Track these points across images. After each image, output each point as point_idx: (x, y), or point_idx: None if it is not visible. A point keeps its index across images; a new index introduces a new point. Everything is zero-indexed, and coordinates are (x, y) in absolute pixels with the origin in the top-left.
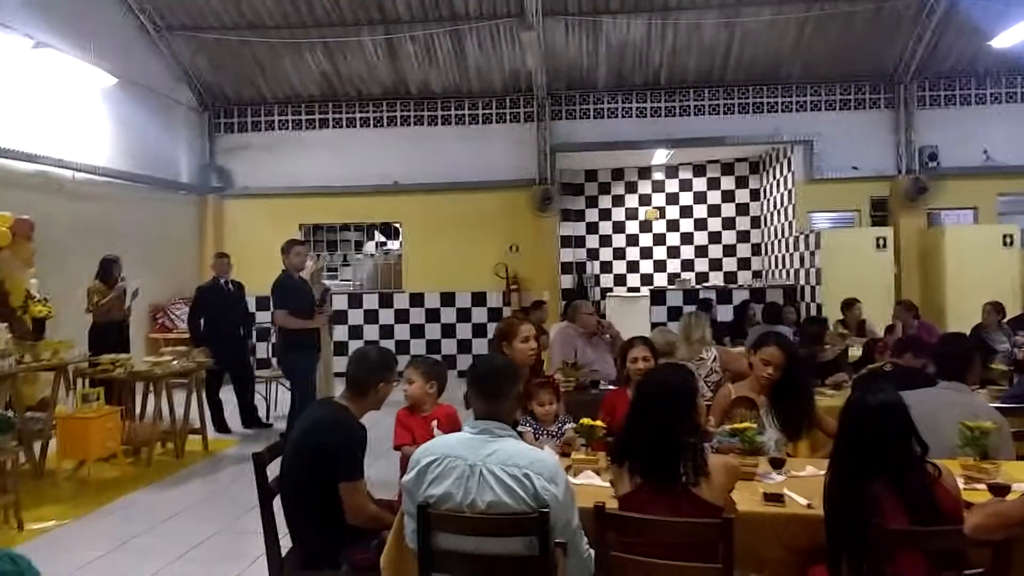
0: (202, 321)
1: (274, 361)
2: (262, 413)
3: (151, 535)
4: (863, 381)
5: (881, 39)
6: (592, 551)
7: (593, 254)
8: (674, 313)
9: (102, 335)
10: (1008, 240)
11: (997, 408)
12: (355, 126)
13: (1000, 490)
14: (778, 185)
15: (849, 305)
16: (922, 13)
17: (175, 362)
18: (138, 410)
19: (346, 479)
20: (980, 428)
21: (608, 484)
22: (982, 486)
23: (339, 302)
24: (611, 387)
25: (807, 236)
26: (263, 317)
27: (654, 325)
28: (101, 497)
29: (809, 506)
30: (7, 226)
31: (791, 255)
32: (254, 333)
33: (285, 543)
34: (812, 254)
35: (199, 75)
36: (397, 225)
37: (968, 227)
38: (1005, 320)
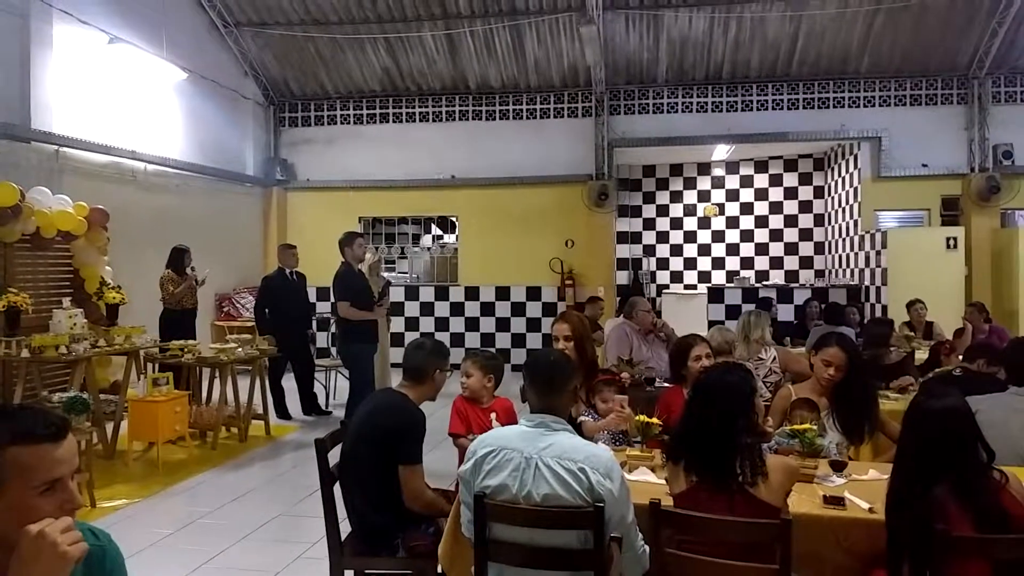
0: (267, 310)
1: (334, 350)
2: (322, 401)
3: (216, 516)
4: (930, 385)
5: (954, 32)
6: (647, 547)
7: (650, 250)
8: (732, 312)
9: (172, 322)
10: None
11: None
12: (414, 121)
13: None
14: (843, 182)
15: (910, 305)
16: (999, 5)
17: (240, 349)
18: (204, 395)
19: (406, 462)
20: None
21: (663, 481)
22: None
23: (396, 294)
24: (666, 384)
25: (873, 235)
26: (322, 307)
27: (711, 323)
28: (169, 478)
29: (871, 510)
30: (83, 215)
31: (856, 254)
32: (315, 323)
33: (344, 527)
34: (878, 253)
35: (265, 70)
36: (453, 219)
37: None
38: None
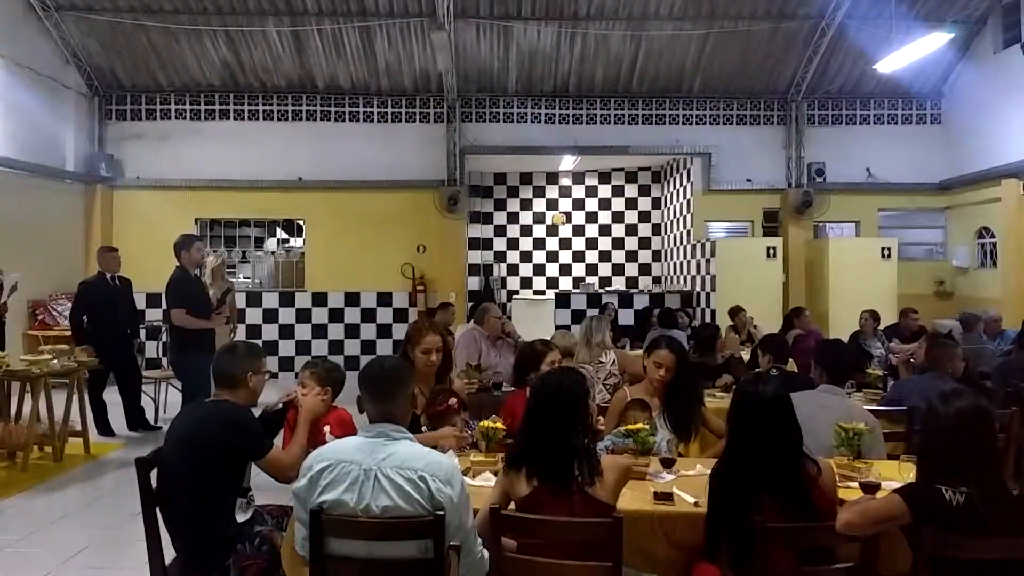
0: (85, 318)
1: (165, 361)
2: (150, 415)
3: (27, 543)
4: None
5: (775, 58)
6: (486, 552)
7: (500, 257)
8: (578, 316)
9: None
10: (886, 253)
11: (871, 411)
12: (258, 119)
13: (871, 488)
14: (678, 194)
15: (735, 313)
16: (813, 36)
17: (55, 361)
18: (13, 411)
19: (262, 454)
20: (854, 430)
21: None
22: (855, 484)
23: (238, 301)
24: (512, 389)
25: (704, 244)
26: (152, 315)
27: (558, 327)
28: None
29: (696, 504)
30: None
31: (688, 262)
32: (143, 331)
33: (170, 551)
34: (708, 261)
35: (89, 58)
36: (300, 222)
37: (850, 239)
38: (881, 328)
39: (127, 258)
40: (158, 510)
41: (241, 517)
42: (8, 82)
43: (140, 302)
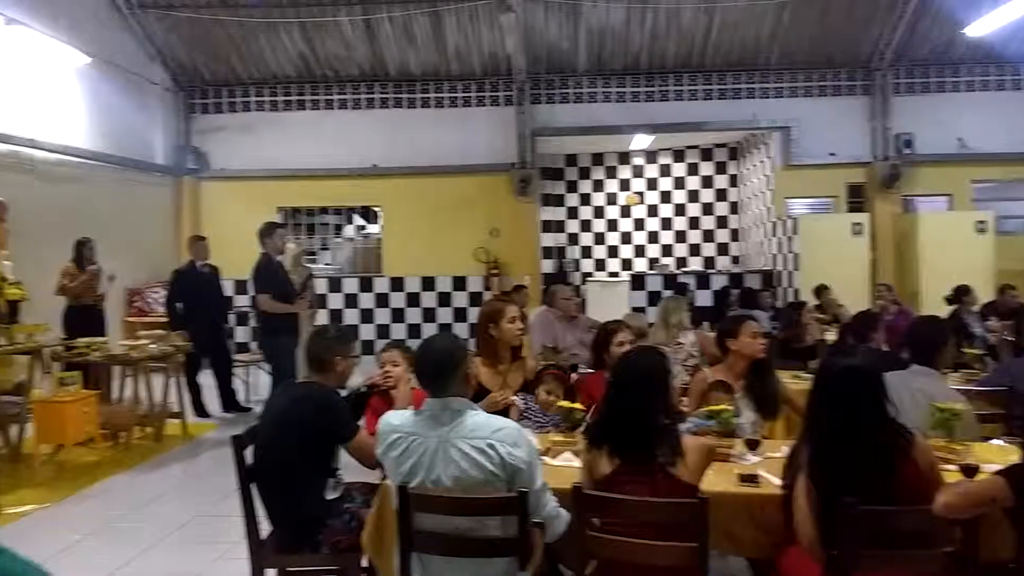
0: (179, 305)
1: (254, 345)
2: (241, 397)
3: (130, 519)
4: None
5: (858, 26)
6: (563, 511)
7: (573, 239)
8: (653, 298)
9: (76, 318)
10: (981, 226)
11: (964, 391)
12: (332, 108)
13: (970, 471)
14: (756, 171)
15: (820, 291)
16: (898, 0)
17: (152, 346)
18: (116, 394)
19: (348, 439)
20: (951, 410)
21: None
22: (953, 467)
23: (319, 286)
24: (589, 371)
25: (784, 222)
26: (240, 301)
27: (634, 310)
28: (79, 481)
29: (783, 487)
30: None
31: (769, 241)
32: (231, 317)
33: (265, 526)
34: (789, 239)
35: (173, 54)
36: (376, 209)
37: (942, 213)
38: (976, 306)
39: (215, 246)
40: (253, 487)
41: (331, 495)
42: (98, 80)
43: (228, 288)
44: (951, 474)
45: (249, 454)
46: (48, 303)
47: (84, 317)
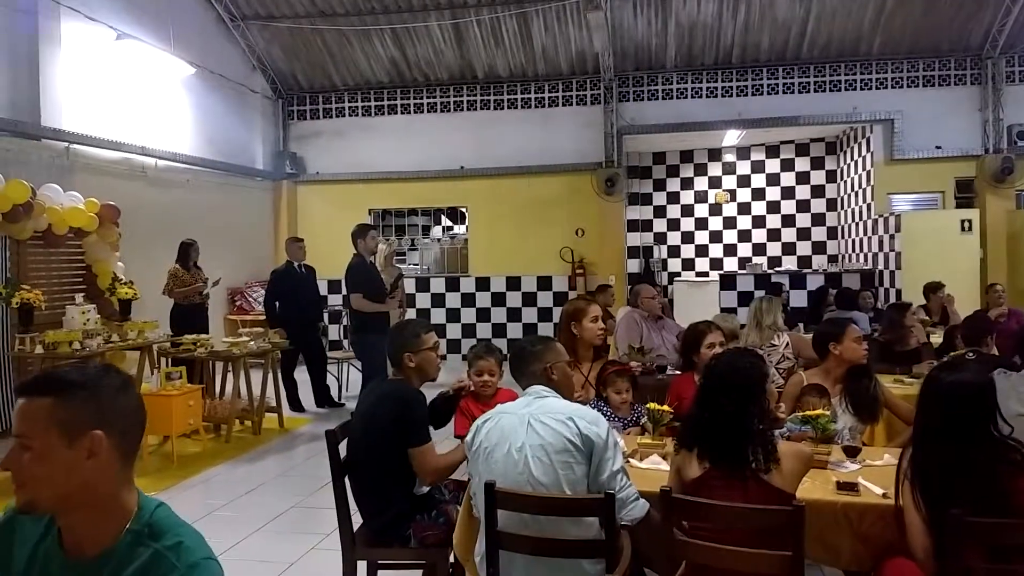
0: (277, 304)
1: (346, 343)
2: (334, 393)
3: (231, 508)
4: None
5: (967, 12)
6: (642, 501)
7: (660, 238)
8: (744, 298)
9: (183, 316)
10: None
11: None
12: (423, 111)
13: None
14: (856, 166)
15: (934, 289)
16: None
17: (252, 343)
18: (218, 388)
19: (413, 445)
20: None
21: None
22: None
23: (407, 286)
24: (677, 372)
25: (886, 219)
26: (333, 300)
27: (724, 310)
28: (183, 471)
29: (885, 496)
30: (95, 212)
31: (869, 238)
32: (326, 315)
33: (357, 519)
34: (892, 237)
35: (273, 64)
36: (463, 209)
37: None
38: None
39: (310, 247)
40: (346, 480)
41: (420, 490)
42: (203, 89)
43: (322, 288)
44: None
45: (343, 448)
46: (157, 302)
47: (190, 315)
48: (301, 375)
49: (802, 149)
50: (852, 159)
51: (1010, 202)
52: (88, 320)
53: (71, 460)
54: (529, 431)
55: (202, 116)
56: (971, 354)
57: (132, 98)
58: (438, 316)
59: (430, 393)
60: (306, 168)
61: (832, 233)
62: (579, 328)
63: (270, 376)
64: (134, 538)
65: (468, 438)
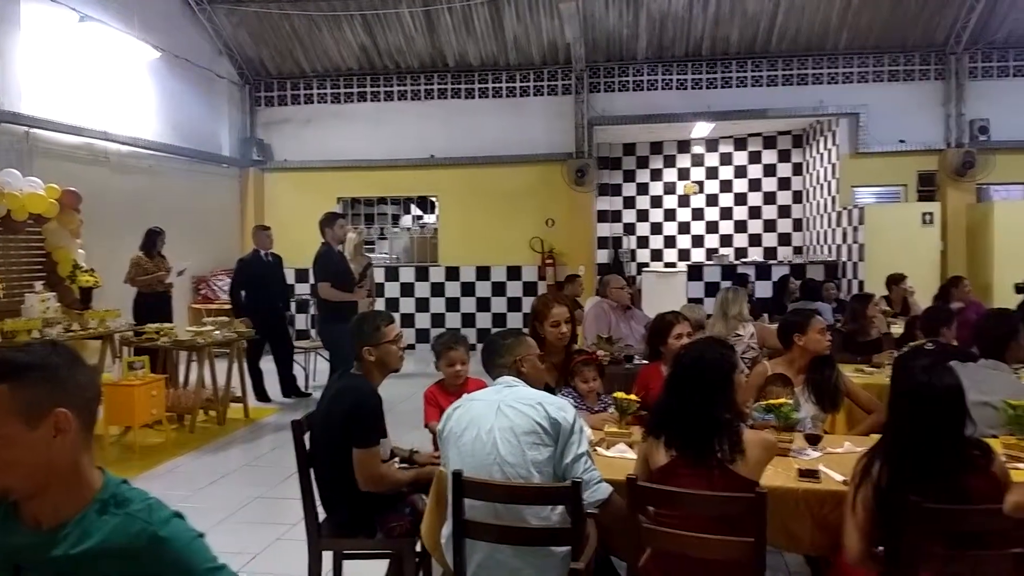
0: (243, 293)
1: (314, 332)
2: (301, 383)
3: (194, 499)
4: (906, 358)
5: (932, 8)
6: (605, 484)
7: (630, 229)
8: (711, 289)
9: (146, 305)
10: None
11: None
12: (393, 99)
13: None
14: (821, 159)
15: (896, 281)
16: None
17: (217, 332)
18: (181, 378)
19: (358, 446)
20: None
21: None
22: (1023, 465)
23: (376, 275)
24: (644, 362)
25: (850, 211)
26: (301, 289)
27: (691, 301)
28: (146, 462)
29: (845, 483)
30: (55, 197)
31: (833, 230)
32: (293, 304)
33: (323, 510)
34: (855, 229)
35: (240, 49)
36: (433, 199)
37: (1019, 202)
38: None
39: (277, 236)
40: (311, 471)
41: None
42: (168, 73)
43: (290, 277)
44: (1021, 473)
45: (308, 439)
46: (120, 290)
47: (153, 304)
48: (267, 365)
49: (769, 142)
50: (818, 152)
51: (970, 195)
52: (48, 308)
53: (37, 441)
54: (499, 414)
55: (167, 101)
56: (930, 344)
57: (95, 82)
58: (407, 306)
59: (396, 384)
60: (273, 155)
61: (797, 225)
62: (541, 328)
63: (235, 366)
64: (101, 507)
65: (440, 425)
